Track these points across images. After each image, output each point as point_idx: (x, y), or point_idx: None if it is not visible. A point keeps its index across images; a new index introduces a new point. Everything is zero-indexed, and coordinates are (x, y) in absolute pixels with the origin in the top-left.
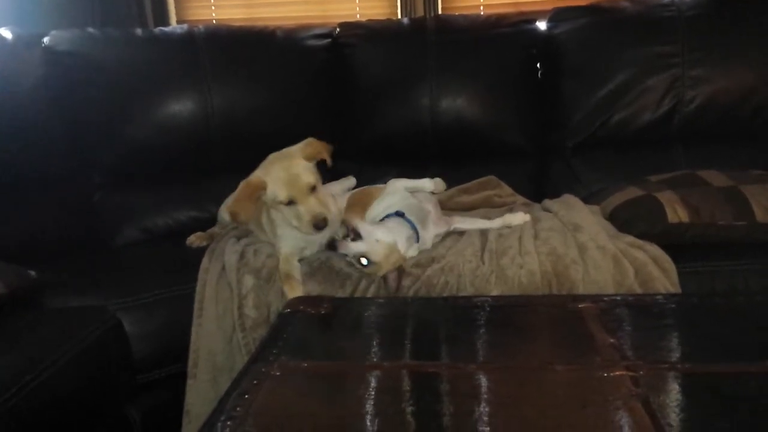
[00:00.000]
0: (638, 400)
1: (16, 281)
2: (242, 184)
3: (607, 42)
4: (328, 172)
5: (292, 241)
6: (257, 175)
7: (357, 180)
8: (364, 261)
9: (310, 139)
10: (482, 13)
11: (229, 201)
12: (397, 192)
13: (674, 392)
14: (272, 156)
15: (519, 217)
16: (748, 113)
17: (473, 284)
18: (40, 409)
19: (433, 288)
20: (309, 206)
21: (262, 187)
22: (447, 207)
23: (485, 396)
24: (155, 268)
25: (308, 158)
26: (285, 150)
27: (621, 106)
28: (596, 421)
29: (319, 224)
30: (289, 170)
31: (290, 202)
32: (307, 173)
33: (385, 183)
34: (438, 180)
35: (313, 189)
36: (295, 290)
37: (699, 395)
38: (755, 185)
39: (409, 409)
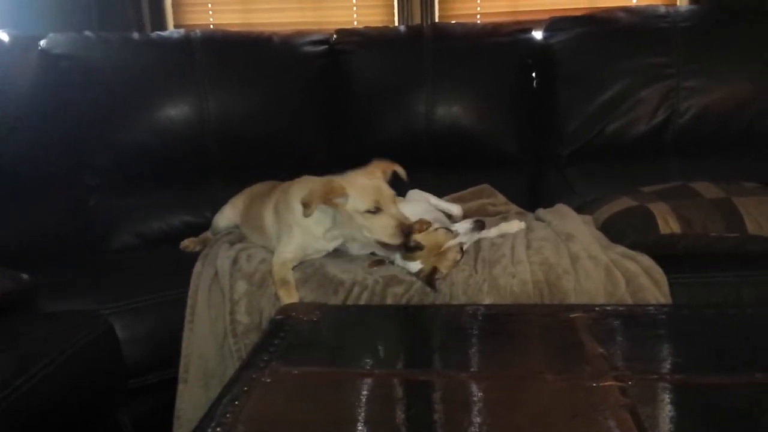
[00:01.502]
0: (627, 411)
1: (8, 284)
2: (324, 182)
3: (602, 52)
4: None
5: (301, 245)
6: (338, 181)
7: None
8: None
9: (376, 161)
10: (479, 21)
11: (225, 209)
12: (421, 201)
13: (663, 403)
14: (347, 174)
15: (515, 225)
16: (742, 125)
17: (465, 293)
18: (30, 413)
19: (426, 297)
20: (394, 215)
21: (342, 193)
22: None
23: (476, 404)
24: (148, 273)
25: (384, 173)
26: (358, 170)
27: (616, 117)
28: (585, 430)
29: (406, 231)
30: (372, 180)
31: (373, 211)
32: (388, 186)
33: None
34: (455, 205)
35: (394, 201)
36: (291, 296)
37: (688, 406)
38: (747, 197)
39: (400, 417)
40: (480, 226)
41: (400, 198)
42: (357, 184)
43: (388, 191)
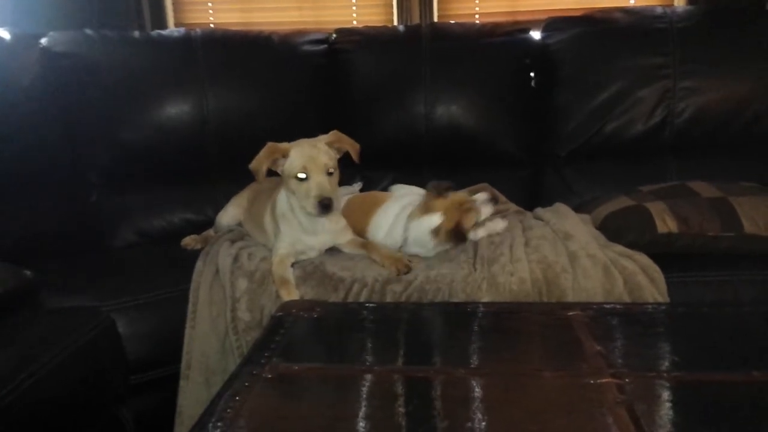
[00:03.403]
0: (623, 407)
1: (11, 281)
2: (268, 144)
3: (599, 52)
4: None
5: (291, 241)
6: (286, 143)
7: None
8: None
9: (335, 131)
10: (477, 21)
11: (229, 207)
12: (410, 194)
13: (659, 400)
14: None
15: (500, 224)
16: (738, 125)
17: (464, 291)
18: (33, 408)
19: (425, 294)
20: (319, 183)
21: (284, 152)
22: None
23: (474, 401)
24: (150, 270)
25: (330, 144)
26: (314, 138)
27: (613, 117)
28: (581, 427)
29: (325, 202)
30: (312, 148)
31: (303, 178)
32: (327, 156)
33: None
34: None
35: (329, 173)
36: (291, 294)
37: (684, 403)
38: (744, 197)
39: (399, 412)
40: (494, 200)
41: (385, 193)
42: (298, 148)
43: (323, 160)
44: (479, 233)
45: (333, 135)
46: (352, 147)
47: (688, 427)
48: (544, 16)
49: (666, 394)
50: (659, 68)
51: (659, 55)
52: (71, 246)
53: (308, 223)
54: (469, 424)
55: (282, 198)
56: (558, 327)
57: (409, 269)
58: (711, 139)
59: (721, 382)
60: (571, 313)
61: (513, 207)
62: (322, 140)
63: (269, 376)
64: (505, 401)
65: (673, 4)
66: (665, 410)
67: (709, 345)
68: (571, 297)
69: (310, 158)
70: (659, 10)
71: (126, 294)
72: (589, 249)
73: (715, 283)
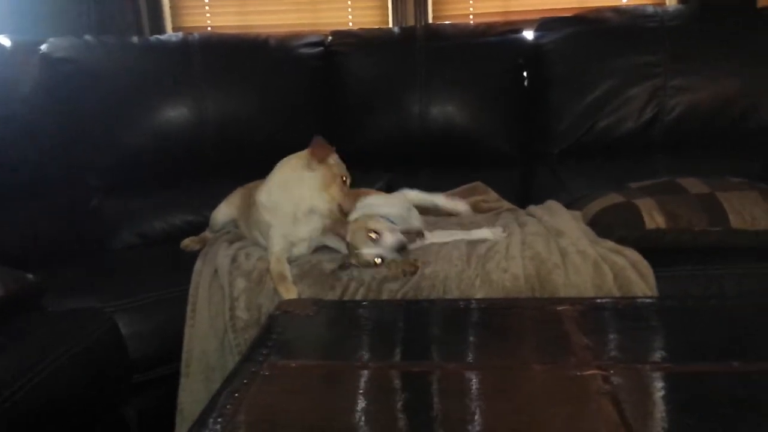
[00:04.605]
0: (608, 397)
1: (14, 284)
2: (319, 137)
3: (591, 51)
4: None
5: (282, 233)
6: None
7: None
8: (378, 260)
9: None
10: (471, 22)
11: (222, 206)
12: (400, 201)
13: (643, 390)
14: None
15: (485, 233)
16: (727, 122)
17: (459, 288)
18: (38, 408)
19: (421, 292)
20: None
21: (330, 152)
22: (434, 213)
23: (467, 394)
24: (150, 271)
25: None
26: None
27: (604, 115)
28: (567, 415)
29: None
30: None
31: (344, 180)
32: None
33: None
34: (456, 201)
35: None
36: (290, 292)
37: (667, 393)
38: (731, 192)
39: (396, 405)
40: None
41: (367, 190)
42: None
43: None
44: (469, 235)
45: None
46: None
47: (671, 415)
48: (537, 16)
49: (650, 385)
50: (650, 67)
51: (650, 53)
52: (72, 249)
53: None
54: (461, 416)
55: (265, 193)
56: (548, 322)
57: (415, 269)
58: (700, 136)
59: (704, 372)
60: (561, 308)
61: (506, 205)
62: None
63: (267, 372)
64: (497, 393)
65: (664, 4)
66: (649, 400)
67: (693, 337)
68: (562, 293)
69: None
70: (650, 9)
71: (127, 295)
72: (579, 245)
73: (703, 277)
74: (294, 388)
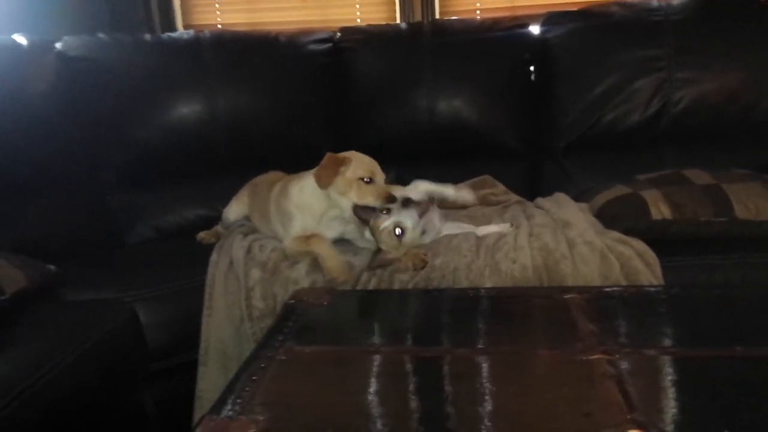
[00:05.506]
0: (612, 380)
1: (37, 275)
2: (328, 156)
3: (597, 46)
4: None
5: (303, 227)
6: (341, 153)
7: None
8: (398, 231)
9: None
10: (478, 17)
11: (232, 204)
12: (416, 191)
13: (646, 374)
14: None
15: (492, 228)
16: (733, 114)
17: (468, 278)
18: (60, 395)
19: (431, 282)
20: (383, 185)
21: (346, 161)
22: (444, 205)
23: (476, 377)
24: (167, 263)
25: None
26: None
27: (611, 108)
28: (573, 397)
29: (391, 198)
30: (369, 157)
31: (367, 180)
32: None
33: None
34: (463, 191)
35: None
36: (321, 241)
37: (670, 377)
38: (736, 183)
39: (407, 388)
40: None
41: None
42: (358, 156)
43: (380, 171)
44: (480, 230)
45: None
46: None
47: (674, 397)
48: (543, 11)
49: (654, 369)
50: (655, 60)
51: (655, 47)
52: (88, 243)
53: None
54: (471, 397)
55: (297, 190)
56: (555, 309)
57: (425, 264)
58: (706, 128)
59: (707, 357)
60: (568, 296)
61: (514, 198)
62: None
63: (283, 358)
64: (505, 377)
65: None
66: (653, 383)
67: (697, 324)
68: (570, 282)
69: (373, 165)
70: (655, 3)
71: (146, 286)
72: (586, 236)
73: (708, 266)
74: (309, 372)
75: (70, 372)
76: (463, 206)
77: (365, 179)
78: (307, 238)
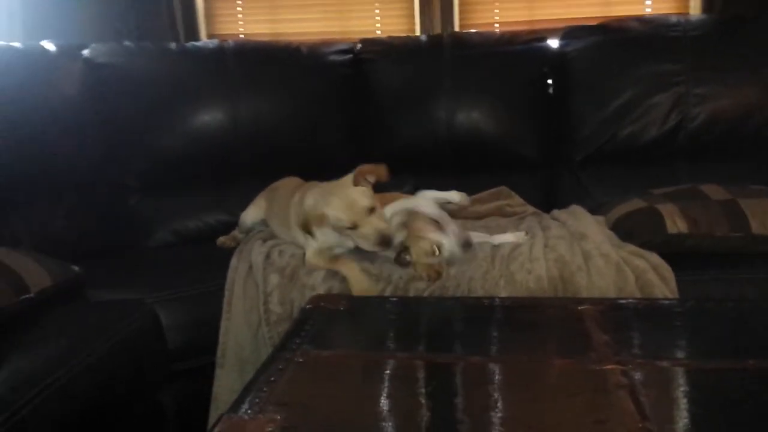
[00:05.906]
0: (626, 390)
1: (61, 275)
2: (305, 217)
3: (615, 60)
4: None
5: (325, 237)
6: (317, 208)
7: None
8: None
9: (358, 168)
10: (497, 30)
11: (249, 208)
12: (425, 199)
13: (660, 384)
14: (324, 186)
15: (508, 237)
16: (750, 130)
17: (483, 287)
18: (82, 393)
19: (446, 291)
20: (372, 226)
21: (323, 219)
22: (461, 216)
23: (489, 384)
24: (188, 266)
25: (358, 183)
26: (335, 182)
27: (628, 122)
28: (586, 406)
29: (384, 240)
30: (346, 198)
31: (353, 227)
32: (362, 197)
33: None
34: (463, 194)
35: (371, 210)
36: (346, 263)
37: (683, 388)
38: (752, 199)
39: (420, 392)
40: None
41: (397, 194)
42: (333, 205)
43: (364, 203)
44: (496, 239)
45: (357, 173)
46: (378, 172)
47: (687, 407)
48: (561, 25)
49: (667, 379)
50: (673, 75)
51: (673, 62)
52: (111, 246)
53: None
54: (483, 404)
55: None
56: (570, 320)
57: (440, 275)
58: (723, 143)
59: (720, 369)
60: (582, 308)
61: (530, 209)
62: (348, 184)
63: (300, 360)
64: (517, 385)
65: (687, 14)
66: (666, 393)
67: (710, 336)
68: (585, 294)
69: (351, 209)
70: (673, 18)
71: (167, 288)
72: (602, 248)
73: (723, 281)
74: (325, 375)
75: (92, 371)
76: (478, 217)
77: (350, 227)
78: (333, 259)
